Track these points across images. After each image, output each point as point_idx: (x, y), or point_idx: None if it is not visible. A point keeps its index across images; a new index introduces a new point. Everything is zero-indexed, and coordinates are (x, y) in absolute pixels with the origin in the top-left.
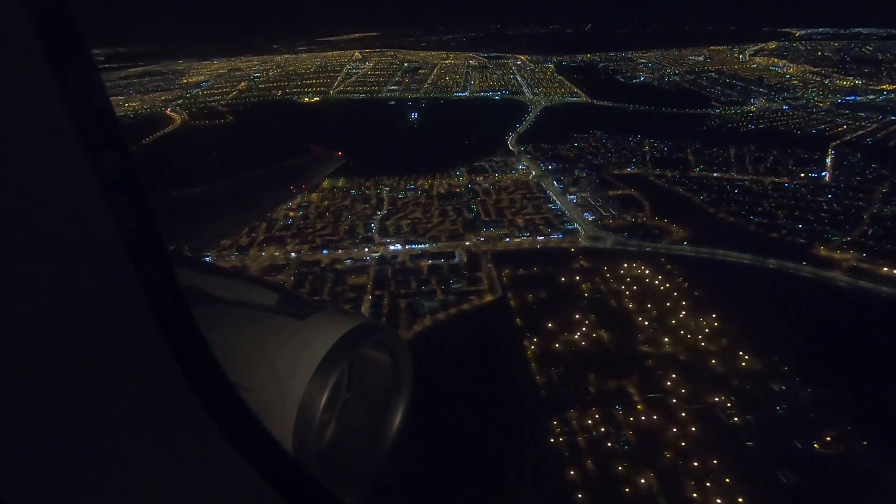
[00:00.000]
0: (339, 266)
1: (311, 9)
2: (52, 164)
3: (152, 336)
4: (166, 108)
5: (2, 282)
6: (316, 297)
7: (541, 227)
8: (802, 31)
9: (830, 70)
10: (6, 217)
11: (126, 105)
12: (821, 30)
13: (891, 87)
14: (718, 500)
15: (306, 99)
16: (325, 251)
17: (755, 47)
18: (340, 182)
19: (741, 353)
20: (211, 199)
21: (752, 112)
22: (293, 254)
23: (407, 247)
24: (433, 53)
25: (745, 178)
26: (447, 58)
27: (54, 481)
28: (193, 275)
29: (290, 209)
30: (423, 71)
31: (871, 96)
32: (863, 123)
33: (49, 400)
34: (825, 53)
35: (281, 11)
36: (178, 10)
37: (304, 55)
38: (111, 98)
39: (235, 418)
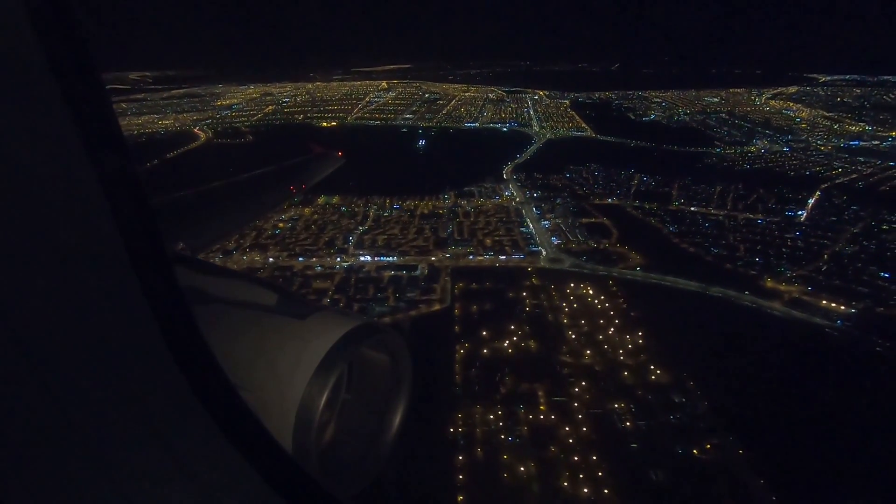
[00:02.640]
0: (308, 272)
1: (351, 41)
2: (52, 164)
3: (152, 336)
4: (194, 127)
5: (2, 282)
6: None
7: (507, 247)
8: (828, 77)
9: (844, 115)
10: (6, 218)
11: (160, 123)
12: (847, 76)
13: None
14: (585, 489)
15: (324, 123)
16: (300, 258)
17: (774, 91)
18: (335, 199)
19: (654, 367)
20: (211, 199)
21: (751, 152)
22: (271, 259)
23: (376, 259)
24: (456, 86)
25: (721, 213)
26: (467, 90)
27: (54, 481)
28: (193, 275)
29: (280, 220)
30: (441, 102)
31: (876, 142)
32: (859, 167)
33: (49, 400)
34: (845, 99)
35: (323, 43)
36: (226, 38)
37: (336, 83)
38: (149, 116)
39: (235, 418)
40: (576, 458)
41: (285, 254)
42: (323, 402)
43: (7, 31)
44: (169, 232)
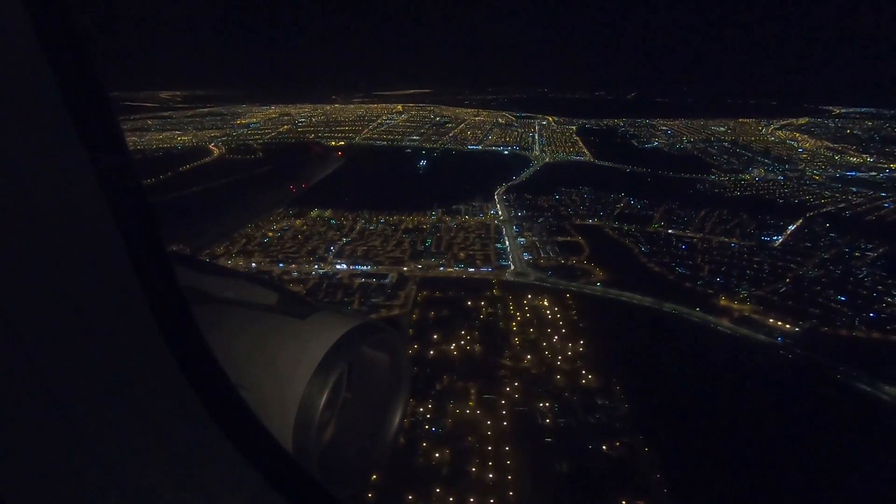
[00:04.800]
0: (285, 276)
1: (376, 66)
2: (52, 165)
3: (152, 336)
4: (210, 143)
5: (2, 282)
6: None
7: (478, 261)
8: (842, 109)
9: (848, 147)
10: (6, 217)
11: (179, 138)
12: (863, 109)
13: (895, 166)
14: (490, 475)
15: (333, 143)
16: (280, 264)
17: (783, 122)
18: (328, 213)
19: (587, 373)
20: (211, 198)
21: (745, 180)
22: (254, 264)
23: (351, 267)
24: (469, 110)
25: (696, 236)
26: (478, 115)
27: (54, 481)
28: (193, 275)
29: (271, 230)
30: (450, 125)
31: (874, 173)
32: (849, 197)
33: (49, 400)
34: (854, 131)
35: (349, 67)
36: (257, 61)
37: (353, 106)
38: (171, 133)
39: (235, 418)
40: (489, 448)
41: (268, 260)
42: (323, 401)
43: (7, 31)
44: (169, 232)
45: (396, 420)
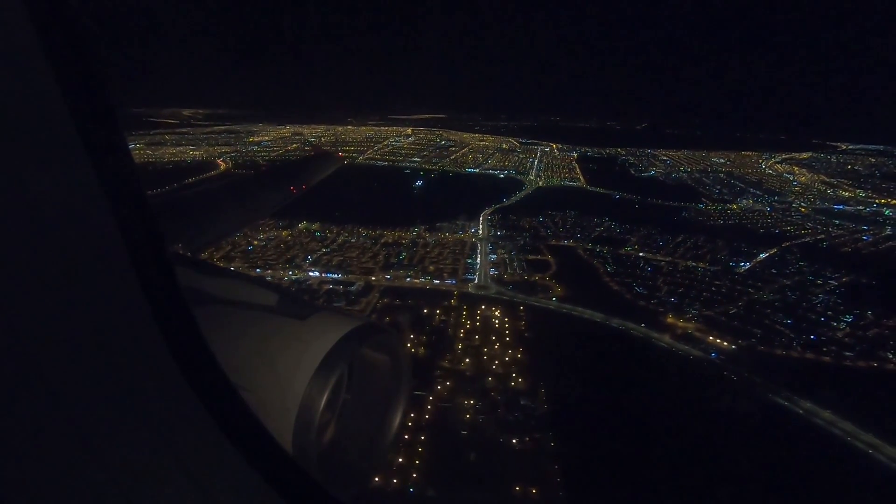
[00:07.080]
0: None
1: (395, 92)
2: (52, 164)
3: (152, 336)
4: (219, 159)
5: (2, 282)
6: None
7: (445, 274)
8: (850, 146)
9: (844, 182)
10: (6, 217)
11: (191, 153)
12: (871, 146)
13: (883, 201)
14: (400, 459)
15: None
16: (257, 270)
17: (786, 155)
18: (315, 226)
19: (518, 377)
20: (211, 199)
21: (731, 210)
22: (232, 268)
23: (323, 275)
24: (475, 135)
25: (665, 259)
26: (483, 139)
27: (53, 481)
28: (193, 275)
29: (257, 239)
30: (453, 148)
31: (861, 207)
32: (830, 229)
33: (49, 400)
34: (855, 167)
35: (372, 92)
36: (279, 82)
37: (365, 128)
38: (185, 147)
39: (235, 419)
40: (406, 437)
41: (246, 265)
42: (323, 402)
43: (7, 32)
44: (169, 232)
45: (396, 421)
